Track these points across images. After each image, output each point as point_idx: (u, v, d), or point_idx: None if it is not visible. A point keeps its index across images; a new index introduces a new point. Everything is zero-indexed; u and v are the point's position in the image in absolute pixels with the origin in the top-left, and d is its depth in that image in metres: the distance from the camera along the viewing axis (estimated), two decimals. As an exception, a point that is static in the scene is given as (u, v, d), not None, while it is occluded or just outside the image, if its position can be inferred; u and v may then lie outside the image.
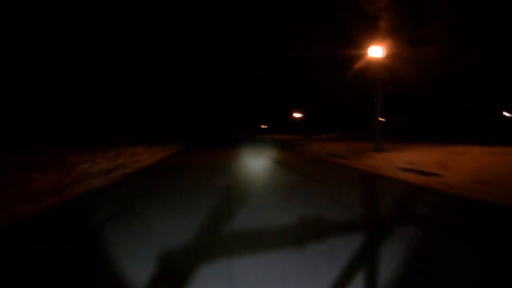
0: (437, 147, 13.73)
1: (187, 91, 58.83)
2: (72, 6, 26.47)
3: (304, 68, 43.98)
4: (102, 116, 32.27)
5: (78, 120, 29.13)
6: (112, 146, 16.70)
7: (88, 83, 29.39)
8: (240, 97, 75.47)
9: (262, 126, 73.09)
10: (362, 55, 17.87)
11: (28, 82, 23.60)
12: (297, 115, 49.44)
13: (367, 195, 5.29)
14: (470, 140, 16.93)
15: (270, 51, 55.43)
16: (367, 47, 13.99)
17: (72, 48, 27.13)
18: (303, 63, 42.81)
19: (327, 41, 28.84)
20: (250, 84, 71.72)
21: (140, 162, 10.28)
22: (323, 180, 6.63)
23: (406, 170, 7.93)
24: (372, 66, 14.38)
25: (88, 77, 29.15)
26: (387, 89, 31.63)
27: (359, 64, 14.86)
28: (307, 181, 6.55)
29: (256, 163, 9.85)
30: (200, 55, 69.06)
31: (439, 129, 31.31)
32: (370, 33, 14.18)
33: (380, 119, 13.50)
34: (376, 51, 12.51)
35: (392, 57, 14.52)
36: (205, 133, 60.96)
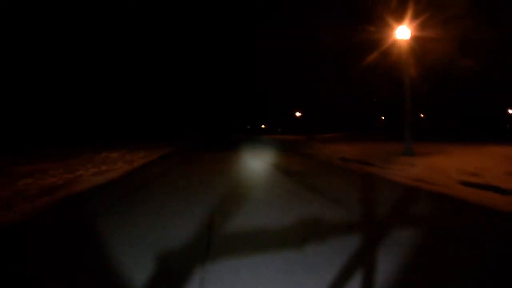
0: (471, 147, 11.45)
1: (186, 91, 57.12)
2: (72, 6, 26.36)
3: (305, 65, 42.14)
4: (101, 116, 31.19)
5: (77, 121, 28.20)
6: (94, 148, 14.43)
7: (86, 84, 28.33)
8: (239, 97, 73.38)
9: (262, 126, 70.56)
10: (377, 41, 15.63)
11: (30, 82, 22.79)
12: (297, 113, 47.28)
13: (461, 246, 2.88)
14: (486, 139, 14.99)
15: (269, 48, 53.42)
16: (381, 32, 11.97)
17: (72, 48, 26.45)
18: (304, 60, 41.00)
19: (333, 30, 26.68)
20: (249, 83, 69.71)
21: (104, 173, 7.86)
22: (374, 212, 4.24)
23: (473, 185, 5.53)
24: (396, 52, 12.05)
25: (86, 78, 28.15)
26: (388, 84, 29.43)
27: (378, 50, 12.43)
28: (345, 214, 4.15)
29: (258, 175, 7.47)
30: (198, 55, 67.07)
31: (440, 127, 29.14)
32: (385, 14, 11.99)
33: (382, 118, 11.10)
34: (403, 32, 10.13)
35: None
36: (203, 133, 59.10)
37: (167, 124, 48.94)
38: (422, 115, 37.07)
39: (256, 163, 9.85)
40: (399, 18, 10.75)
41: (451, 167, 6.89)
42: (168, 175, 7.67)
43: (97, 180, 6.86)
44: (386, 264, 2.30)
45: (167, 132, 43.99)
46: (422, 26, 12.13)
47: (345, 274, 2.13)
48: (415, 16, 11.06)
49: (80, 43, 27.11)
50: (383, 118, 41.92)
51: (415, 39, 11.47)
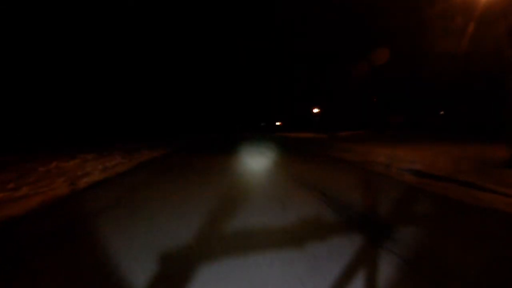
0: None
1: (194, 87, 54.39)
2: (72, 6, 25.80)
3: (323, 60, 38.49)
4: (104, 115, 29.78)
5: (74, 120, 26.23)
6: (61, 153, 10.99)
7: (89, 82, 27.34)
8: (252, 92, 69.55)
9: (276, 123, 66.23)
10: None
11: (29, 81, 21.72)
12: (315, 110, 43.34)
13: None
14: None
15: (286, 40, 49.55)
16: None
17: (71, 48, 25.57)
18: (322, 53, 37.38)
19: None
20: (262, 78, 65.70)
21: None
22: None
23: None
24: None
25: (86, 76, 27.07)
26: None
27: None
28: None
29: (295, 224, 3.64)
30: (208, 50, 63.70)
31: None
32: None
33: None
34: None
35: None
36: (212, 131, 55.75)
37: (174, 122, 45.98)
38: (442, 112, 32.19)
39: (277, 182, 6.04)
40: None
41: None
42: (152, 189, 3.96)
43: None
44: None
45: (172, 131, 41.07)
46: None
47: None
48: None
49: (80, 43, 26.48)
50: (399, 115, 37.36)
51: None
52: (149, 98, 38.19)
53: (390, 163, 7.78)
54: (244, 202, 4.41)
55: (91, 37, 27.46)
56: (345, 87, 35.93)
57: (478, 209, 3.99)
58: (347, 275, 2.20)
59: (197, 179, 6.27)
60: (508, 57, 6.78)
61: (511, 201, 4.28)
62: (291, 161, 9.66)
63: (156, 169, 8.19)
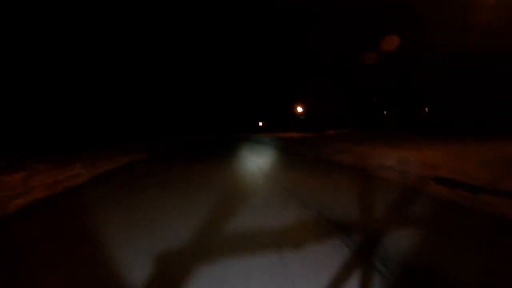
0: None
1: (172, 88, 52.73)
2: (72, 6, 25.54)
3: (304, 56, 37.67)
4: (105, 115, 29.74)
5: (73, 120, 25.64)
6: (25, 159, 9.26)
7: (86, 82, 26.94)
8: (232, 92, 67.74)
9: (259, 124, 64.62)
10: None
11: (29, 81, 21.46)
12: (299, 109, 42.49)
13: None
14: None
15: (265, 35, 48.25)
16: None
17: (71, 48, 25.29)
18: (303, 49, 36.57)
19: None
20: (242, 77, 63.96)
21: None
22: None
23: None
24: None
25: (84, 76, 26.73)
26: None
27: None
28: None
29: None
30: (186, 50, 61.56)
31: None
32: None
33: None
34: None
35: None
36: (191, 132, 54.35)
37: (153, 123, 44.42)
38: (426, 109, 31.87)
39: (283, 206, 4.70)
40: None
41: None
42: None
43: None
44: None
45: (151, 132, 39.76)
46: None
47: None
48: None
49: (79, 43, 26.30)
50: (384, 112, 36.89)
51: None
52: (150, 99, 38.65)
53: (403, 168, 6.58)
54: (225, 223, 3.07)
55: (91, 37, 27.38)
56: (330, 85, 35.12)
57: None
58: None
59: (160, 195, 4.85)
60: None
61: None
62: (284, 168, 8.36)
63: (118, 182, 6.70)
